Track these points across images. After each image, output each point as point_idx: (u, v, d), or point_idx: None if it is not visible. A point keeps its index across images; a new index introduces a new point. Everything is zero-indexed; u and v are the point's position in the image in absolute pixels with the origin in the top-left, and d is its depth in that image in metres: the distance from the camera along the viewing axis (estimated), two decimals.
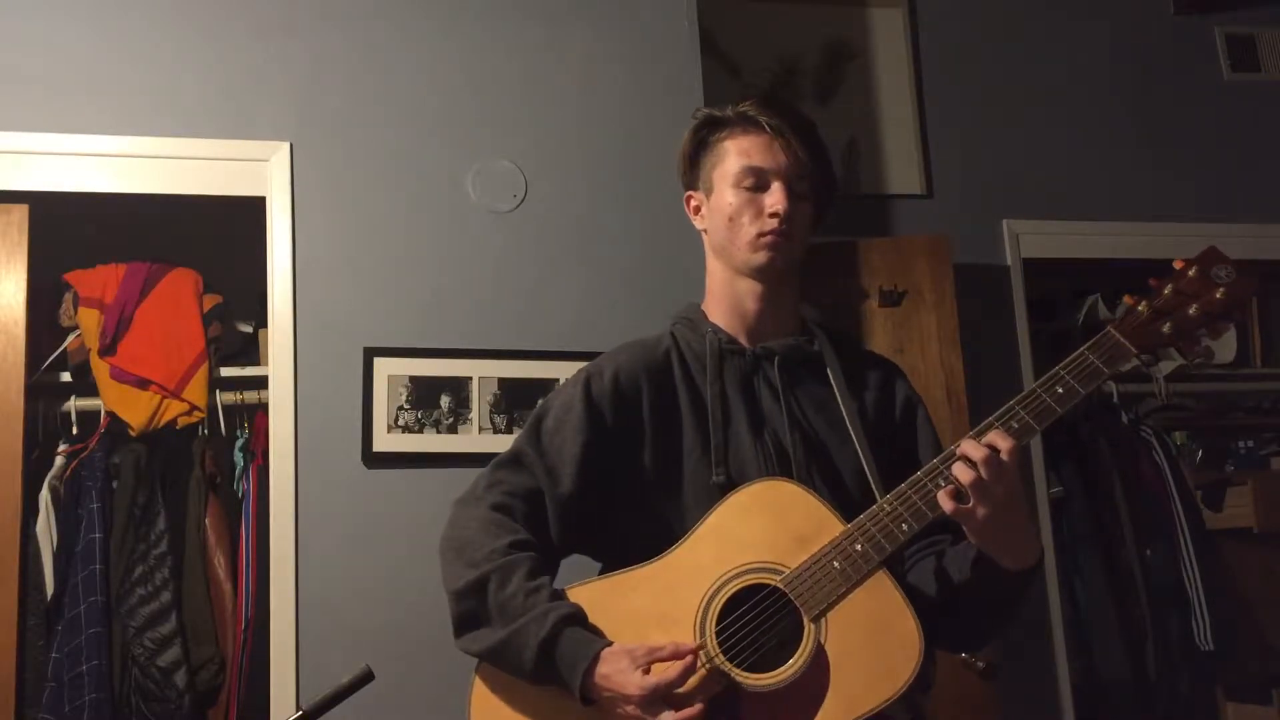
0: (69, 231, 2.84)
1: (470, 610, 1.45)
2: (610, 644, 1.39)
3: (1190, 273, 1.42)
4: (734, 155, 1.59)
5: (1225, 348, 3.55)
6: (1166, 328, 1.41)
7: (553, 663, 1.39)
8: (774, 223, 1.56)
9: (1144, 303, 1.42)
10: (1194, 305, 1.41)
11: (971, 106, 3.39)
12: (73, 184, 2.58)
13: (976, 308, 3.11)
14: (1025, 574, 1.42)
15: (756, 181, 1.57)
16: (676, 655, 1.35)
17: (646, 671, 1.34)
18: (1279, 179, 3.50)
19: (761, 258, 1.57)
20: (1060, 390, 1.40)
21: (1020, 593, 1.46)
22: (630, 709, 1.34)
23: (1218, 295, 1.40)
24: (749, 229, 1.57)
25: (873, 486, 1.51)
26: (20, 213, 2.65)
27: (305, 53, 2.71)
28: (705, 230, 1.66)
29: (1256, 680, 3.36)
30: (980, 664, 2.70)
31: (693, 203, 1.68)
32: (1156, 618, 3.15)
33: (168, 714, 2.64)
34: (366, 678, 1.43)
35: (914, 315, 2.99)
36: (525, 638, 1.39)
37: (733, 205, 1.58)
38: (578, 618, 1.42)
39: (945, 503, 1.37)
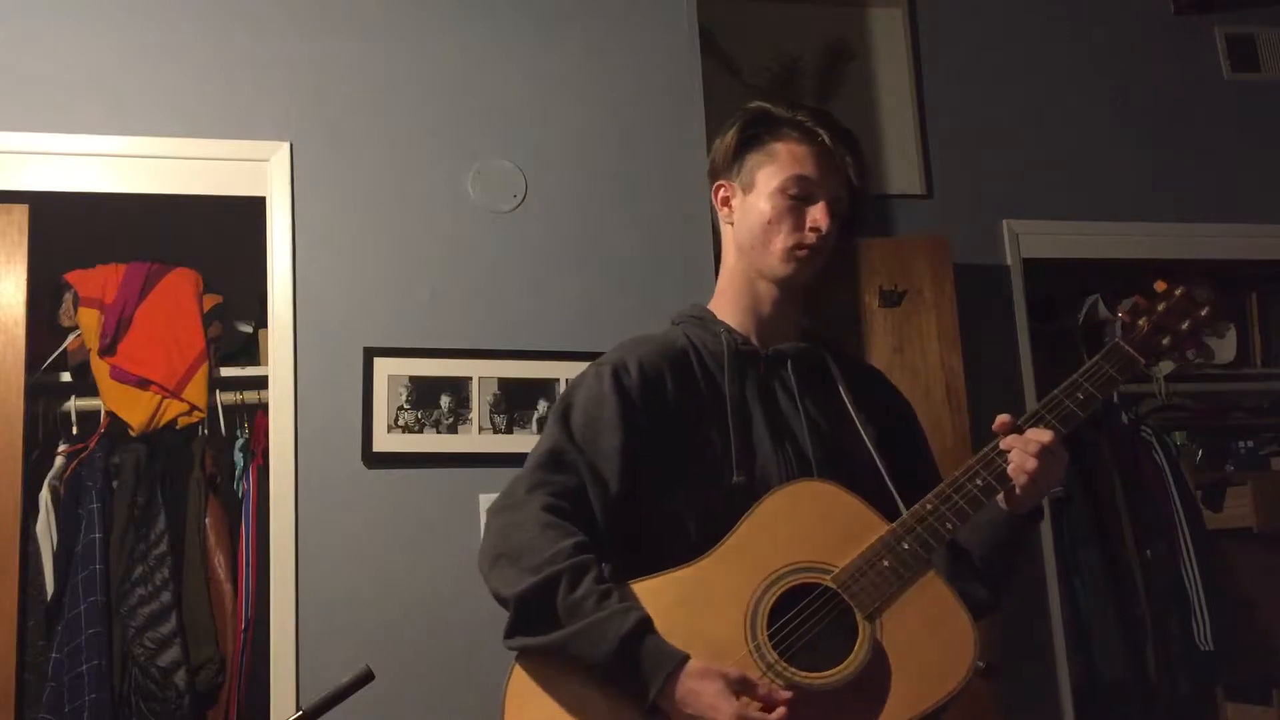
0: (69, 231, 2.84)
1: (534, 614, 1.41)
2: (690, 657, 1.37)
3: (1176, 293, 1.59)
4: (785, 160, 1.58)
5: (1225, 348, 3.55)
6: (1166, 341, 1.58)
7: (632, 661, 1.36)
8: (813, 238, 1.56)
9: (1143, 318, 1.58)
10: (1185, 321, 1.58)
11: (971, 106, 3.39)
12: (73, 184, 2.58)
13: (976, 308, 3.11)
14: (1036, 512, 1.54)
15: (802, 192, 1.56)
16: (770, 700, 1.34)
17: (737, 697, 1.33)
18: (1279, 179, 3.50)
19: (791, 270, 1.58)
20: (1081, 396, 1.51)
21: (1030, 531, 1.57)
22: None
23: (1203, 313, 1.58)
24: (786, 239, 1.57)
25: (890, 488, 1.52)
26: (20, 213, 2.65)
27: (305, 53, 2.71)
28: (731, 224, 1.64)
29: (1256, 680, 3.36)
30: (980, 664, 2.70)
31: (723, 193, 1.65)
32: (1156, 618, 3.15)
33: (168, 714, 2.64)
34: (366, 678, 1.43)
35: (914, 315, 2.99)
36: (605, 630, 1.36)
37: (774, 210, 1.57)
38: (652, 623, 1.39)
39: (1019, 476, 1.46)
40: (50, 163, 2.57)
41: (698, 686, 1.34)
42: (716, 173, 1.66)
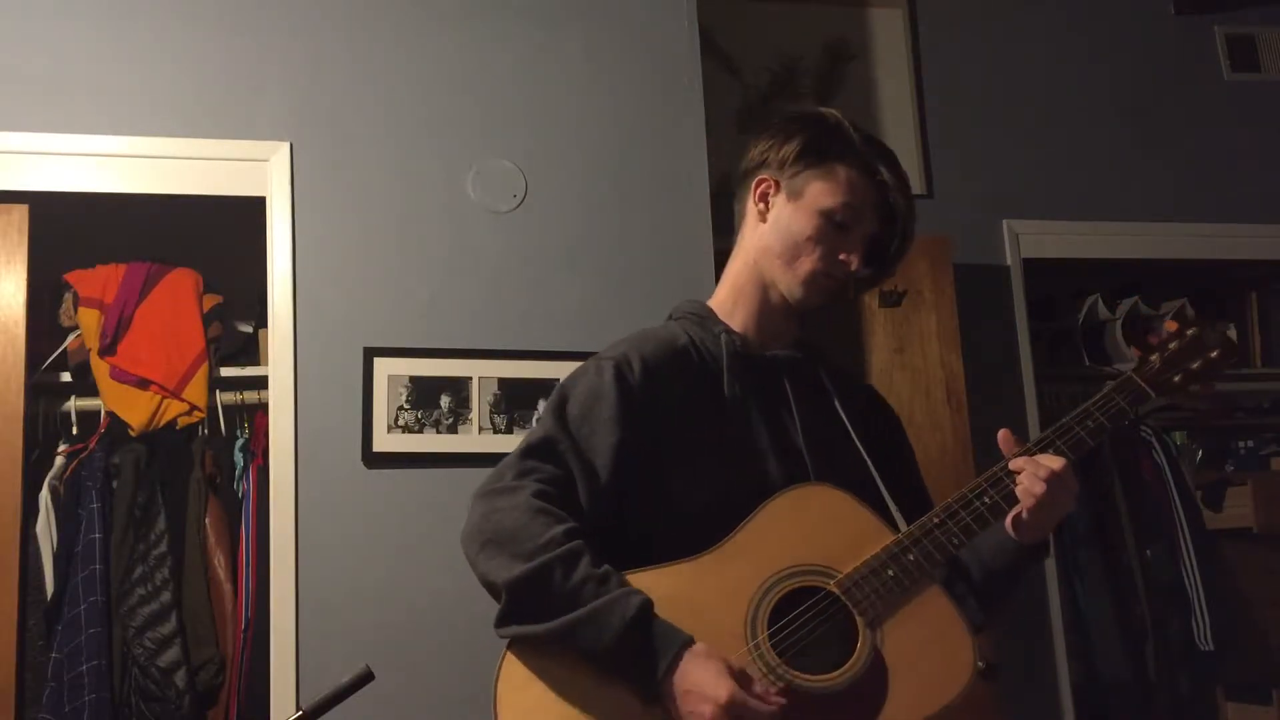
0: (69, 231, 2.84)
1: (528, 600, 1.39)
2: (694, 639, 1.37)
3: (1189, 333, 1.65)
4: (843, 186, 1.57)
5: None
6: (1177, 378, 1.62)
7: (638, 645, 1.35)
8: (840, 271, 1.57)
9: (1155, 355, 1.63)
10: (1197, 361, 1.62)
11: (971, 106, 3.39)
12: (73, 184, 2.58)
13: (976, 308, 3.11)
14: (1042, 546, 1.53)
15: (845, 220, 1.56)
16: (765, 698, 1.34)
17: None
18: (1279, 179, 3.50)
19: (805, 294, 1.59)
20: (1091, 425, 1.53)
21: (1034, 564, 1.56)
22: (707, 708, 1.32)
23: (1213, 355, 1.63)
24: (815, 263, 1.57)
25: (887, 499, 1.54)
26: (20, 213, 2.64)
27: (305, 53, 2.71)
28: (764, 221, 1.62)
29: (1256, 680, 3.36)
30: (980, 664, 2.70)
31: (763, 188, 1.63)
32: (1156, 618, 3.16)
33: (168, 714, 2.64)
34: (366, 678, 1.43)
35: (914, 315, 2.99)
36: (608, 618, 1.36)
37: (815, 230, 1.56)
38: (653, 605, 1.39)
39: (1026, 499, 1.46)
40: (50, 163, 2.56)
41: (702, 665, 1.34)
42: (765, 165, 1.63)
